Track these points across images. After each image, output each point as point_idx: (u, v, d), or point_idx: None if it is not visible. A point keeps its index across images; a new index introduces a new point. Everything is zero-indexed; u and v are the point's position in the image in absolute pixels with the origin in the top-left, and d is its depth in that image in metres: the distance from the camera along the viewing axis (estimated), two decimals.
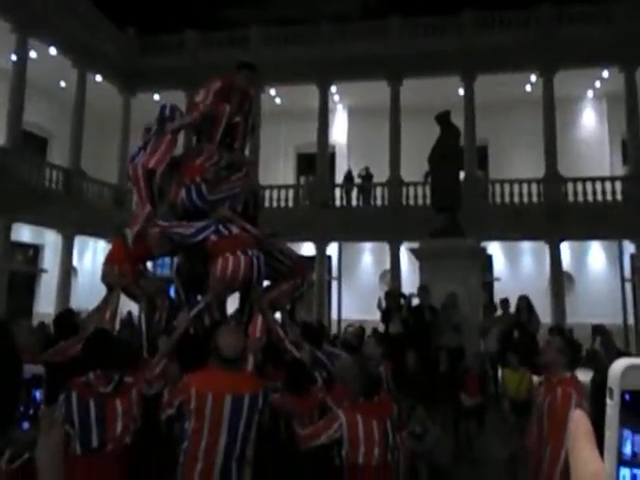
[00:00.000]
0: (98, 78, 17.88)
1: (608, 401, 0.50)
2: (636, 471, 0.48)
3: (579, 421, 0.52)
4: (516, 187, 16.41)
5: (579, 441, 0.51)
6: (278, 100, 18.97)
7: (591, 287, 16.94)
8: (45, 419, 1.20)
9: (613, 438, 0.48)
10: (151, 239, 4.21)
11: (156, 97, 19.11)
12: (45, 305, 16.24)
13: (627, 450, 0.48)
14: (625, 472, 0.48)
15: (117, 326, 5.76)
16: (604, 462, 0.49)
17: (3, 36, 14.12)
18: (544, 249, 16.26)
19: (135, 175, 4.45)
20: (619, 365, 0.49)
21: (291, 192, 17.99)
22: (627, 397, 0.48)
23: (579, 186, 16.05)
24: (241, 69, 4.91)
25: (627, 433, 0.48)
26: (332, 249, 17.55)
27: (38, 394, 1.22)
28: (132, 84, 18.94)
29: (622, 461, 0.48)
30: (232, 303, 4.66)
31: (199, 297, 4.45)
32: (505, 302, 9.03)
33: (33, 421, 1.19)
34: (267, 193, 17.10)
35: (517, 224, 15.34)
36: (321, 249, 17.19)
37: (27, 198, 14.42)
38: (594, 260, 17.59)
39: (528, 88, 17.78)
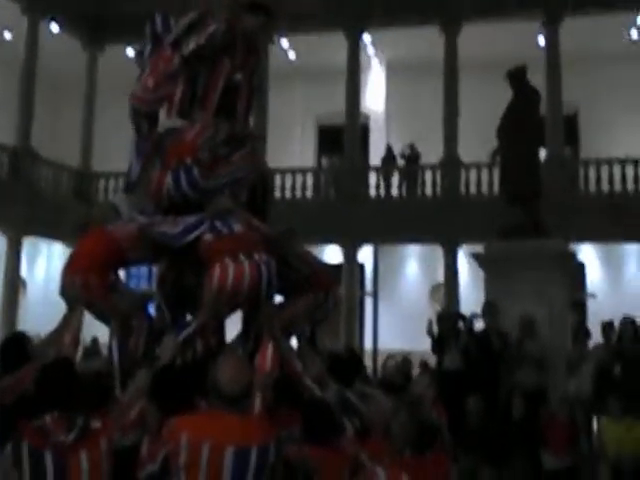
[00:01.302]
0: (55, 28, 18.19)
1: None
2: None
3: None
4: (617, 169, 16.25)
5: None
6: (292, 55, 19.09)
7: None
8: None
9: None
10: (126, 239, 4.27)
11: (129, 52, 19.35)
12: None
13: None
14: None
15: (79, 355, 5.83)
16: None
17: None
18: None
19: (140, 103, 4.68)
20: None
21: (310, 178, 18.07)
22: None
23: None
24: (255, 11, 4.93)
25: None
26: (365, 255, 17.52)
27: None
28: (99, 36, 19.26)
29: None
30: (233, 325, 4.71)
31: (189, 317, 4.50)
32: (609, 327, 8.94)
33: None
34: (278, 179, 17.19)
35: (619, 220, 15.15)
36: (350, 254, 17.23)
37: None
38: None
39: (634, 35, 17.58)
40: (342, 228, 16.71)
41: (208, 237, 4.21)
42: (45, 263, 19.35)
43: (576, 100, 17.74)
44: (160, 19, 4.88)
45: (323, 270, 4.96)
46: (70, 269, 4.23)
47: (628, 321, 8.52)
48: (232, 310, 4.34)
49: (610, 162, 16.39)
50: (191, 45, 4.71)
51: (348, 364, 5.08)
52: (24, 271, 17.90)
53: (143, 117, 4.84)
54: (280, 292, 4.62)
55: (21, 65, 17.31)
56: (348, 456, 3.58)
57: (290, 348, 4.49)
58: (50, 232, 17.83)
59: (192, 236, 4.22)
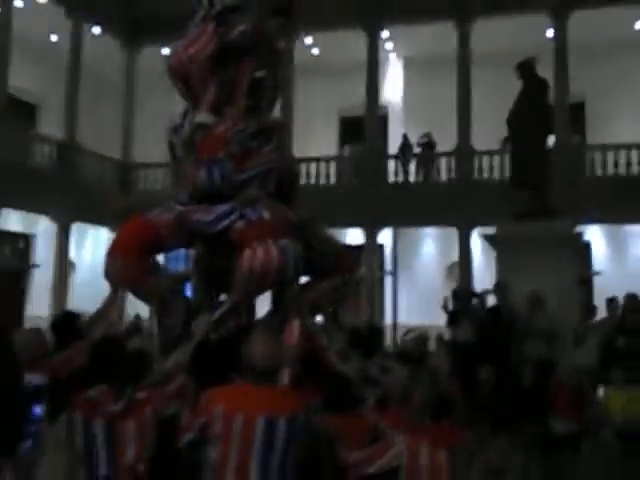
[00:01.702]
0: (96, 30, 18.29)
1: None
2: None
3: None
4: (622, 154, 16.05)
5: None
6: (316, 50, 18.99)
7: None
8: (49, 440, 1.30)
9: None
10: (163, 226, 4.32)
11: (165, 51, 19.40)
12: (38, 306, 16.83)
13: None
14: None
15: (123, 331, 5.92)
16: None
17: None
18: None
19: (179, 67, 4.69)
20: None
21: (333, 166, 18.05)
22: None
23: None
24: (277, 16, 4.96)
25: None
26: (385, 236, 17.51)
27: (39, 410, 1.31)
28: (136, 37, 19.32)
29: None
30: (262, 304, 4.75)
31: (222, 297, 4.55)
32: (612, 302, 8.88)
33: (34, 440, 1.29)
34: (303, 167, 17.18)
35: (624, 202, 14.96)
36: (371, 237, 17.22)
37: (14, 178, 14.93)
38: None
39: (639, 26, 17.21)
40: (363, 212, 16.72)
41: (239, 224, 4.24)
42: (92, 247, 19.56)
43: (583, 90, 17.49)
44: None
45: (345, 253, 4.98)
46: (112, 253, 4.28)
47: (631, 297, 8.45)
48: (261, 291, 4.37)
49: (616, 148, 16.20)
50: (228, 35, 4.76)
51: (368, 339, 5.12)
52: (73, 254, 18.14)
53: (179, 80, 4.86)
54: (306, 273, 4.65)
55: (66, 65, 17.44)
56: (368, 424, 3.60)
57: (315, 325, 4.53)
58: (96, 218, 18.05)
59: (224, 223, 4.25)
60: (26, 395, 1.08)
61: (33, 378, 1.11)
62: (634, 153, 16.03)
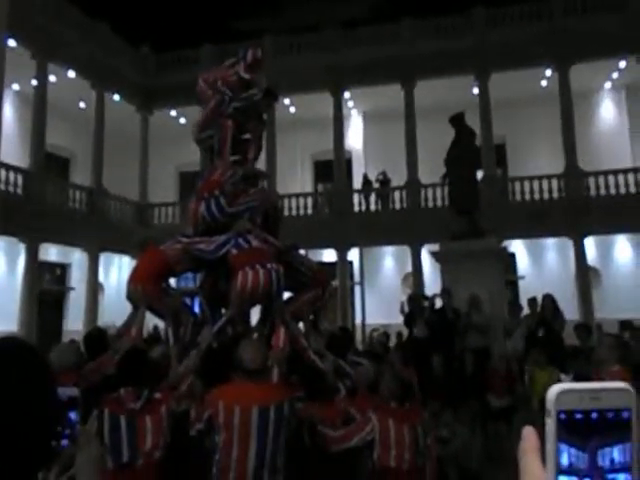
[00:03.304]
0: (116, 97, 18.27)
1: (547, 420, 0.59)
2: (572, 478, 0.57)
3: (528, 436, 0.61)
4: (536, 184, 16.26)
5: (527, 454, 0.60)
6: (292, 109, 19.13)
7: (618, 282, 16.64)
8: (82, 436, 1.29)
9: (552, 450, 0.58)
10: (173, 256, 4.32)
11: (173, 113, 19.44)
12: (74, 322, 16.58)
13: (564, 461, 0.57)
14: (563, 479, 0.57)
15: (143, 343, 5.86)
16: (546, 472, 0.58)
17: (24, 62, 14.54)
18: (568, 245, 16.07)
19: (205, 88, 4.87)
20: (554, 390, 0.59)
21: (310, 200, 18.10)
22: (562, 416, 0.58)
23: (601, 179, 15.83)
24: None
25: (563, 447, 0.57)
26: (353, 254, 17.56)
27: (73, 415, 1.30)
28: (149, 101, 19.30)
29: (560, 470, 0.57)
30: (255, 313, 4.74)
31: (223, 311, 4.55)
32: (533, 301, 8.96)
33: (70, 439, 1.28)
34: (286, 202, 17.21)
35: (539, 221, 15.19)
36: (342, 255, 17.24)
37: (52, 219, 14.81)
38: (620, 254, 17.29)
39: (544, 83, 17.63)
40: (335, 236, 16.75)
41: (233, 251, 4.26)
42: (117, 272, 19.35)
43: (503, 133, 17.80)
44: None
45: (319, 271, 5.00)
46: (133, 280, 4.28)
47: (547, 296, 8.54)
48: (253, 305, 4.38)
49: (531, 179, 16.42)
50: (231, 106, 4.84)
51: (341, 340, 5.12)
52: (102, 278, 17.92)
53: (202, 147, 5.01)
54: (289, 289, 4.67)
55: (92, 126, 17.37)
56: (341, 410, 3.61)
57: (297, 330, 4.53)
58: (119, 248, 17.91)
59: (222, 251, 4.27)
60: (62, 404, 1.08)
61: (67, 390, 1.11)
62: (545, 182, 16.30)
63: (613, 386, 0.59)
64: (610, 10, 16.05)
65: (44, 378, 1.03)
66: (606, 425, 0.57)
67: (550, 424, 0.58)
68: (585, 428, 0.57)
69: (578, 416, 0.58)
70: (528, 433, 0.62)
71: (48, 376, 1.07)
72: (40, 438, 0.97)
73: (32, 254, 14.66)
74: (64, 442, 1.31)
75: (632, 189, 15.52)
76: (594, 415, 0.58)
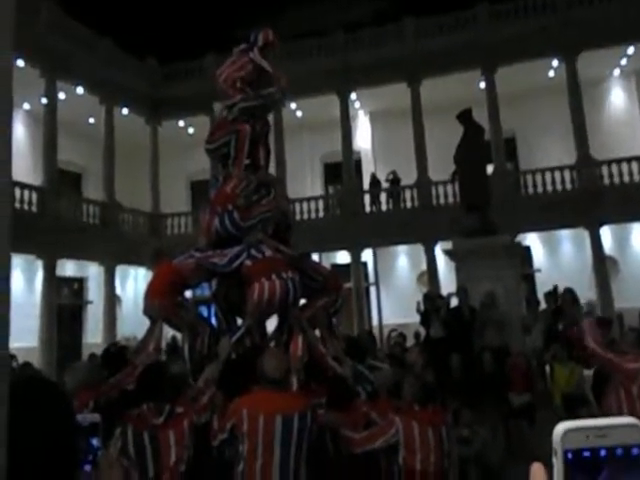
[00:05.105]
0: (125, 111, 18.44)
1: (554, 459, 0.59)
2: None
3: (536, 475, 0.61)
4: (548, 175, 16.11)
5: None
6: (299, 113, 19.16)
7: (637, 270, 16.43)
8: (104, 460, 1.32)
9: None
10: (187, 270, 4.36)
11: (181, 123, 19.58)
12: (93, 335, 16.73)
13: None
14: None
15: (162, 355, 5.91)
16: None
17: (33, 81, 14.74)
18: (584, 235, 15.91)
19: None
20: (559, 429, 0.58)
21: (321, 202, 18.11)
22: (569, 455, 0.57)
23: (614, 168, 15.66)
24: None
25: None
26: (367, 255, 17.56)
27: (95, 441, 1.34)
28: (157, 113, 19.44)
29: None
30: (271, 321, 4.76)
31: (239, 321, 4.57)
32: (549, 295, 8.89)
33: (93, 465, 1.32)
34: (297, 206, 17.24)
35: (553, 213, 15.06)
36: (356, 256, 17.21)
37: (67, 234, 14.96)
38: (638, 242, 17.07)
39: (551, 74, 17.47)
40: (348, 237, 16.72)
41: (247, 262, 4.28)
42: (133, 283, 19.49)
43: (512, 127, 17.67)
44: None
45: (332, 276, 5.02)
46: (149, 295, 4.32)
47: (567, 291, 8.46)
48: (269, 315, 4.41)
49: (542, 171, 16.28)
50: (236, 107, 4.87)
51: (359, 345, 5.12)
52: (118, 291, 18.07)
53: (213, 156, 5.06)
54: (303, 296, 4.68)
55: (102, 140, 17.55)
56: (362, 414, 3.62)
57: (315, 336, 4.54)
58: (135, 260, 18.05)
59: (236, 264, 4.30)
60: (83, 430, 1.11)
61: (89, 417, 1.14)
62: (557, 173, 16.16)
63: (621, 422, 0.57)
64: None
65: (66, 416, 1.06)
66: (615, 462, 0.56)
67: (558, 464, 0.57)
68: (593, 466, 0.56)
69: (586, 454, 0.56)
70: (536, 471, 0.62)
71: (69, 412, 1.10)
72: (64, 468, 1.00)
73: (49, 270, 14.84)
74: (87, 467, 1.34)
75: None
76: (602, 452, 0.56)
